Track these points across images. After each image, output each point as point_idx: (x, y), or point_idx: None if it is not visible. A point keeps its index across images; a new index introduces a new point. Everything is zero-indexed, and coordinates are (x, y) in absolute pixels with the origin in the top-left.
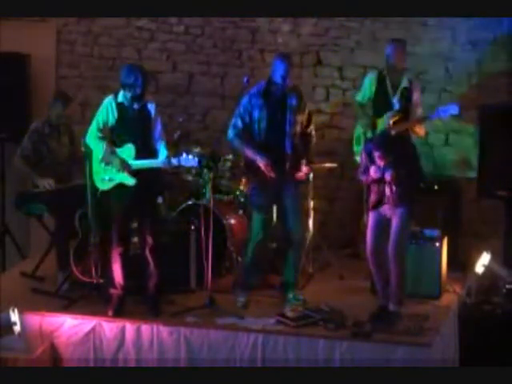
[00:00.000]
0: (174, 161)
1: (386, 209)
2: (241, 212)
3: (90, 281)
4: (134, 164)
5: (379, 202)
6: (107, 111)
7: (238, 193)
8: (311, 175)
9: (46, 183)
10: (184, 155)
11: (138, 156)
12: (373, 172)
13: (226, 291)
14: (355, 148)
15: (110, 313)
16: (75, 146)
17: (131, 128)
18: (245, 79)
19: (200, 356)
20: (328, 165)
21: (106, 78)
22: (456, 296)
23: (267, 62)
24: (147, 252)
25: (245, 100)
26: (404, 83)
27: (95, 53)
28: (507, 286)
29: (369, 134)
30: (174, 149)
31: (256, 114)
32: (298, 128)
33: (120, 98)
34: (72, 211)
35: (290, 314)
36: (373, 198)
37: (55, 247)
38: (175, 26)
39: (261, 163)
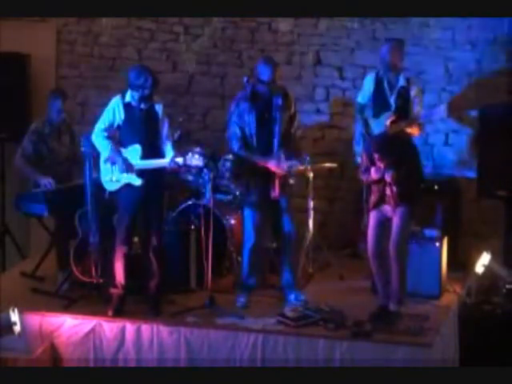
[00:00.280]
0: (180, 161)
1: (386, 209)
2: (239, 212)
3: (90, 281)
4: (139, 164)
5: (380, 202)
6: (114, 111)
7: (237, 193)
8: (311, 175)
9: (47, 182)
10: (190, 155)
11: (145, 156)
12: (373, 173)
13: (226, 291)
14: (355, 148)
15: (110, 313)
16: (75, 146)
17: (138, 128)
18: (245, 79)
19: (200, 356)
20: (328, 165)
21: (105, 77)
22: (456, 296)
23: None
24: (151, 252)
25: (234, 106)
26: (401, 82)
27: (95, 53)
28: (507, 286)
29: (366, 136)
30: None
31: (245, 117)
32: (284, 126)
33: (127, 98)
34: (72, 211)
35: (289, 314)
36: (373, 198)
37: (55, 247)
38: (175, 26)
39: (274, 167)
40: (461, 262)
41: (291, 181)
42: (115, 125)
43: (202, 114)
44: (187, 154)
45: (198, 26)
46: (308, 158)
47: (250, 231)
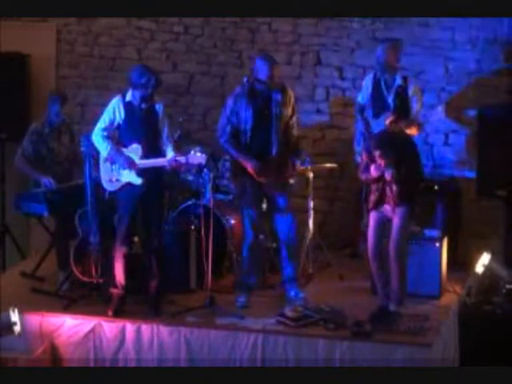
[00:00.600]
0: (181, 159)
1: (386, 208)
2: (240, 212)
3: (90, 281)
4: (140, 163)
5: (379, 202)
6: (114, 110)
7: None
8: (311, 175)
9: (47, 181)
10: (192, 152)
11: (145, 156)
12: (373, 170)
13: (226, 291)
14: (356, 148)
15: (110, 313)
16: (75, 146)
17: (138, 128)
18: (245, 79)
19: (200, 356)
20: (328, 165)
21: (105, 77)
22: (456, 296)
23: None
24: (151, 253)
25: (230, 101)
26: (398, 82)
27: (95, 53)
28: (507, 286)
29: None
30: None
31: (242, 114)
32: (284, 121)
33: (128, 98)
34: (72, 211)
35: (289, 314)
36: (373, 197)
37: (55, 247)
38: (175, 25)
39: (250, 169)
40: (461, 262)
41: (291, 181)
42: (115, 124)
43: (201, 114)
44: (189, 152)
45: (198, 26)
46: (308, 158)
47: (248, 229)
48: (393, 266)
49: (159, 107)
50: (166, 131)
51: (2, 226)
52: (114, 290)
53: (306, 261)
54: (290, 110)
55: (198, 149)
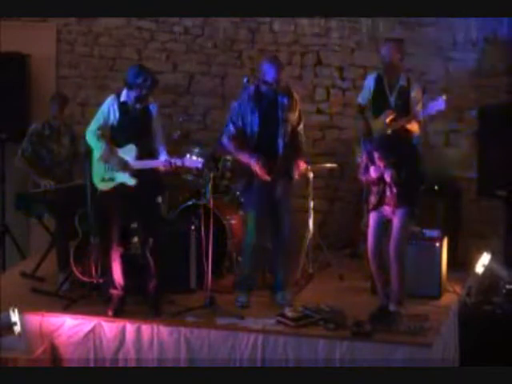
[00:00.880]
0: (178, 161)
1: (386, 209)
2: (241, 212)
3: (90, 281)
4: (134, 164)
5: (379, 203)
6: (108, 110)
7: (238, 193)
8: (311, 175)
9: (46, 182)
10: (188, 156)
11: (140, 156)
12: (372, 172)
13: (226, 291)
14: (356, 148)
15: (110, 313)
16: (76, 147)
17: (133, 128)
18: (245, 79)
19: (200, 356)
20: (328, 165)
21: (105, 77)
22: (456, 296)
23: None
24: (147, 252)
25: (236, 105)
26: (401, 82)
27: (95, 53)
28: (507, 286)
29: (367, 136)
30: (174, 149)
31: (248, 118)
32: (289, 127)
33: (123, 98)
34: (72, 211)
35: (290, 314)
36: (373, 198)
37: (55, 247)
38: (175, 25)
39: (255, 167)
40: (461, 262)
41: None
42: (109, 124)
43: (201, 114)
44: (185, 155)
45: (198, 26)
46: (308, 159)
47: (252, 230)
48: (392, 266)
49: (153, 108)
50: (159, 133)
51: (2, 225)
52: (113, 291)
53: (305, 261)
54: (296, 115)
55: (196, 151)
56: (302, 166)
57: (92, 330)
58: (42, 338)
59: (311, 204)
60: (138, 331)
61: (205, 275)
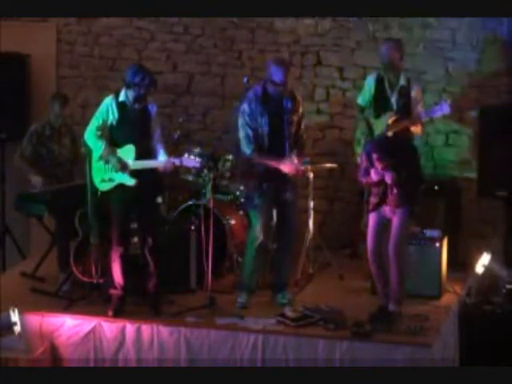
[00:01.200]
0: (176, 161)
1: (386, 210)
2: (241, 212)
3: (90, 281)
4: (134, 164)
5: (379, 204)
6: (107, 110)
7: (238, 193)
8: (311, 175)
9: (37, 181)
10: (186, 155)
11: (138, 156)
12: (373, 174)
13: (226, 291)
14: (356, 149)
15: (110, 313)
16: (76, 147)
17: (131, 128)
18: (245, 79)
19: (200, 356)
20: (328, 165)
21: (106, 77)
22: (456, 296)
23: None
24: (147, 252)
25: (245, 107)
26: (402, 82)
27: (95, 53)
28: (507, 286)
29: (368, 137)
30: (174, 149)
31: (258, 119)
32: (294, 128)
33: (121, 98)
34: (72, 211)
35: (290, 314)
36: (373, 199)
37: (55, 247)
38: (175, 26)
39: (287, 169)
40: (461, 262)
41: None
42: (108, 124)
43: (201, 114)
44: (183, 155)
45: (198, 26)
46: (308, 159)
47: (259, 231)
48: (392, 267)
49: (152, 108)
50: (158, 133)
51: (2, 226)
52: (113, 291)
53: (306, 261)
54: (299, 116)
55: (197, 151)
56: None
57: (92, 330)
58: (42, 338)
59: (311, 204)
60: (138, 331)
61: (205, 275)
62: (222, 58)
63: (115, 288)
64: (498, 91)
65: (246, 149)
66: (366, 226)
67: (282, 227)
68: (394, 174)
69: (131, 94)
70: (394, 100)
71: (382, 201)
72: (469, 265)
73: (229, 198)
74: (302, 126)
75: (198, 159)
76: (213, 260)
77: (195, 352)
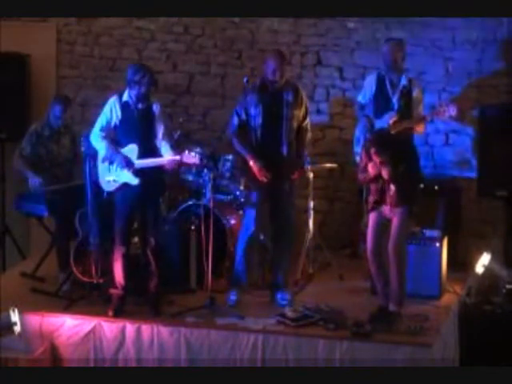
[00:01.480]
0: (177, 158)
1: (385, 209)
2: (241, 212)
3: (90, 281)
4: (138, 163)
5: (379, 203)
6: (111, 111)
7: (238, 193)
8: (311, 175)
9: (35, 181)
10: (186, 152)
11: (141, 156)
12: (371, 168)
13: (226, 291)
14: (356, 149)
15: (110, 313)
16: (76, 147)
17: (135, 128)
18: (245, 79)
19: (200, 356)
20: (328, 165)
21: (106, 77)
22: (456, 296)
23: None
24: (149, 253)
25: (241, 97)
26: (403, 82)
27: (95, 53)
28: (507, 286)
29: (368, 135)
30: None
31: (252, 110)
32: (295, 123)
33: (125, 97)
34: (72, 211)
35: (290, 314)
36: (372, 198)
37: (55, 247)
38: (175, 26)
39: (255, 167)
40: (461, 262)
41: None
42: (112, 124)
43: (201, 114)
44: (183, 151)
45: (198, 26)
46: (308, 159)
47: (249, 224)
48: (392, 266)
49: (156, 107)
50: (162, 131)
51: (2, 226)
52: (113, 291)
53: (306, 261)
54: (303, 111)
55: (197, 151)
56: (306, 170)
57: (92, 330)
58: (42, 338)
59: (311, 204)
60: (138, 331)
61: (205, 275)
62: (221, 58)
63: (116, 287)
64: (498, 91)
65: (229, 131)
66: (366, 225)
67: (278, 226)
68: (391, 168)
69: (133, 93)
70: (395, 100)
71: (381, 199)
72: (469, 265)
73: (229, 198)
74: (306, 121)
75: (197, 155)
76: (213, 260)
77: (195, 352)
